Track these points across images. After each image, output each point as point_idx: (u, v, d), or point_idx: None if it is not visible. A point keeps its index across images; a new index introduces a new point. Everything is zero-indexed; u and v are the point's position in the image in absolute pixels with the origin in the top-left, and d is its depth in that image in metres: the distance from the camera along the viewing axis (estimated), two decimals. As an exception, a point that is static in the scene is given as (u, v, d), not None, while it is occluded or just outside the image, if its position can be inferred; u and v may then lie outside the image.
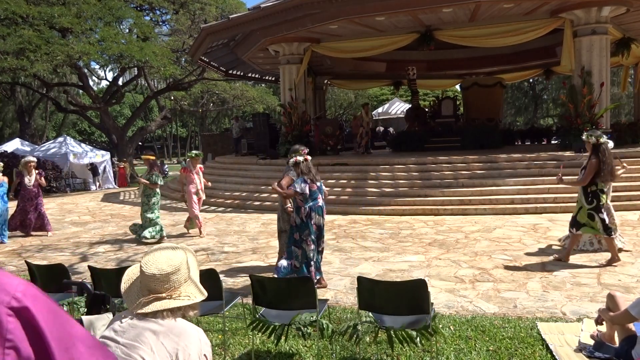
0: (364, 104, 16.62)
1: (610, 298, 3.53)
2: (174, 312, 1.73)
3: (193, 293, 1.78)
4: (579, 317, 4.32)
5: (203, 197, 9.45)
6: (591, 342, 3.70)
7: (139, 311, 1.72)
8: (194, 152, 9.54)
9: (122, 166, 22.52)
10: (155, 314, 1.71)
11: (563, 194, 9.69)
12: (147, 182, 8.53)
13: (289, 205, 5.75)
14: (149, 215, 8.61)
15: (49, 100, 29.93)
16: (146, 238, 8.51)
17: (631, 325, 3.39)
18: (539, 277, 5.59)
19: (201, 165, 9.56)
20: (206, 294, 1.82)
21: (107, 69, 33.62)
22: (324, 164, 13.04)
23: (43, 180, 10.11)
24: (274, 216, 6.74)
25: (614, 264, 5.90)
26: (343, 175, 12.18)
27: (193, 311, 1.79)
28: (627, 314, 3.26)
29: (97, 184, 20.99)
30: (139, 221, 8.93)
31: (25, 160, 9.96)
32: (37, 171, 10.01)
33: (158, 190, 8.77)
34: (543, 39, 14.77)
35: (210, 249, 7.84)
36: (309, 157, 5.55)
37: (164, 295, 1.72)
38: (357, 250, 7.18)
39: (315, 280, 5.34)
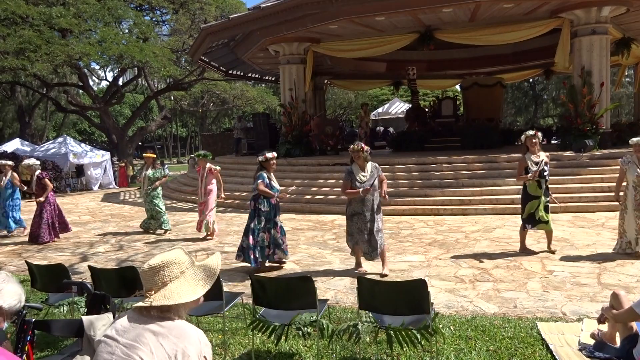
0: (363, 104, 16.63)
1: (615, 297, 3.52)
2: (148, 310, 1.74)
3: (167, 296, 1.75)
4: (579, 317, 4.32)
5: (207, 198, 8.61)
6: (591, 342, 3.70)
7: (134, 305, 1.77)
8: (201, 152, 9.10)
9: (123, 165, 22.52)
10: (151, 315, 1.73)
11: (563, 194, 9.69)
12: (162, 179, 9.40)
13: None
14: (160, 205, 9.37)
15: (49, 100, 29.92)
16: (161, 228, 9.40)
17: (634, 324, 3.38)
18: (539, 277, 5.59)
19: (212, 167, 8.67)
20: (190, 298, 1.78)
21: (107, 69, 33.67)
22: (324, 164, 13.06)
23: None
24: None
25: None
26: (343, 176, 12.17)
27: (173, 314, 1.76)
28: (631, 311, 3.24)
29: (87, 183, 20.79)
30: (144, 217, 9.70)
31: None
32: (37, 173, 9.21)
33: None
34: (543, 39, 14.76)
35: (211, 249, 7.84)
36: (259, 159, 6.40)
37: (150, 293, 1.76)
38: (357, 250, 7.17)
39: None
